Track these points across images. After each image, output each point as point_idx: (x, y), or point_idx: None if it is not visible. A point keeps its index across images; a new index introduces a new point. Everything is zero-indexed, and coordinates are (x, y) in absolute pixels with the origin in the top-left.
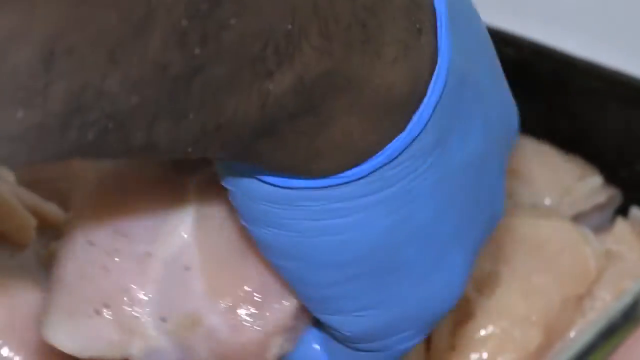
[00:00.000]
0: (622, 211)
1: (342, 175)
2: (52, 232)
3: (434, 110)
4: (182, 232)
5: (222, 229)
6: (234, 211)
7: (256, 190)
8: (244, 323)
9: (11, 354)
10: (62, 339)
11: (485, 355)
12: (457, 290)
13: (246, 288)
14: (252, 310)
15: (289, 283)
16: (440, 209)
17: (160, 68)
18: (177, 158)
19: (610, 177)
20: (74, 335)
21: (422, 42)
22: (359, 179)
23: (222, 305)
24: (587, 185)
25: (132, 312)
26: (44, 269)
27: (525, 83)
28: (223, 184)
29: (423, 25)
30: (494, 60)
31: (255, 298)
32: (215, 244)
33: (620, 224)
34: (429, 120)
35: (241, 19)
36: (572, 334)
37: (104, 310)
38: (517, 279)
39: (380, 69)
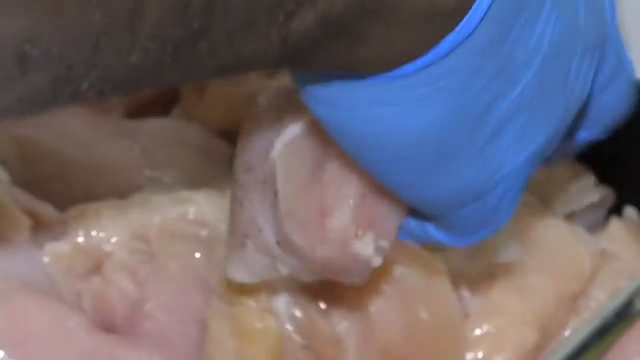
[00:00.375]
0: (615, 211)
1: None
2: (46, 232)
3: (487, 11)
4: (272, 158)
5: (300, 150)
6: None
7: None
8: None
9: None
10: (236, 273)
11: (480, 354)
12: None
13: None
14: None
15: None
16: (497, 96)
17: (157, 40)
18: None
19: (603, 177)
20: (240, 267)
21: None
22: (407, 75)
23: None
24: (581, 185)
25: (263, 238)
26: (39, 267)
27: None
28: (301, 95)
29: None
30: None
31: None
32: (293, 167)
33: (615, 224)
34: (480, 21)
35: None
36: (567, 333)
37: (247, 241)
38: (512, 279)
39: None
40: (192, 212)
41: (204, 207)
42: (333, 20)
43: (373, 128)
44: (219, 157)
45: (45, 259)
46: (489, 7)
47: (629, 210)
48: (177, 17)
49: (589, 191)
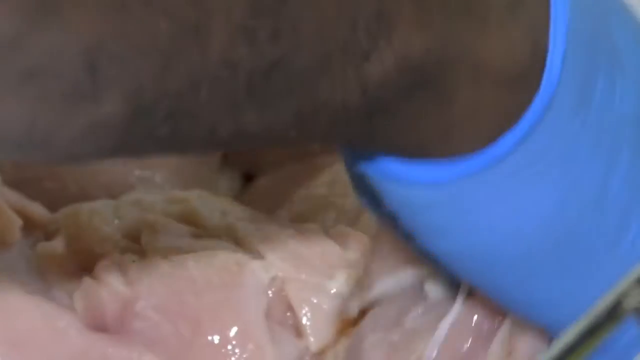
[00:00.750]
0: None
1: (479, 153)
2: (38, 232)
3: (563, 66)
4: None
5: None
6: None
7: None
8: None
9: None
10: None
11: None
12: None
13: None
14: None
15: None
16: (606, 170)
17: (229, 65)
18: (293, 145)
19: None
20: None
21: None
22: (506, 155)
23: None
24: None
25: None
26: (30, 268)
27: None
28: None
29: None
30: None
31: None
32: None
33: None
34: (559, 78)
35: (317, 7)
36: None
37: None
38: None
39: (491, 34)
40: (183, 211)
41: (195, 207)
42: (415, 66)
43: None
44: (210, 157)
45: (37, 259)
46: (563, 59)
47: None
48: (246, 38)
49: None
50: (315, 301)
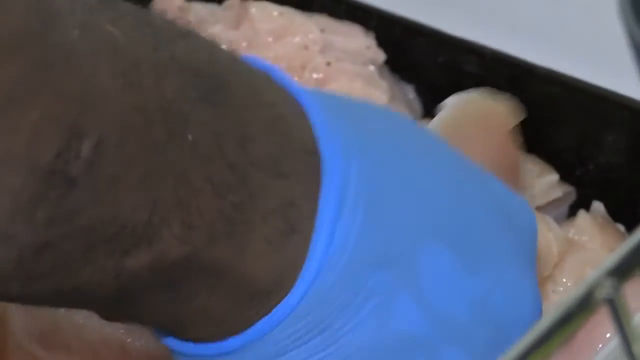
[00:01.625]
0: (580, 207)
1: (215, 344)
2: None
3: (302, 298)
4: None
5: None
6: None
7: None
8: None
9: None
10: None
11: None
12: None
13: None
14: None
15: None
16: None
17: (6, 237)
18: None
19: (566, 175)
20: None
21: (294, 240)
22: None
23: None
24: (545, 182)
25: None
26: None
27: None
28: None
29: (297, 224)
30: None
31: None
32: None
33: (582, 216)
34: (296, 306)
35: (95, 208)
36: None
37: None
38: None
39: (244, 261)
40: None
41: None
42: (165, 268)
43: None
44: None
45: None
46: (304, 294)
47: (596, 205)
48: (26, 217)
49: (553, 188)
50: None
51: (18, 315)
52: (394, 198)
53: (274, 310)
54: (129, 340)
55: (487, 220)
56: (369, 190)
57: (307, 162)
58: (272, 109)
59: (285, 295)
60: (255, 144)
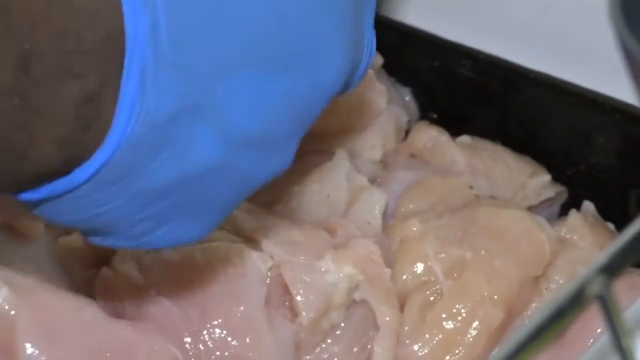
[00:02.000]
0: (571, 206)
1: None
2: (59, 227)
3: (100, 169)
4: None
5: None
6: None
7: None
8: None
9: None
10: None
11: (452, 332)
12: None
13: None
14: None
15: None
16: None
17: None
18: None
19: (558, 175)
20: None
21: (90, 133)
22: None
23: None
24: (538, 182)
25: None
26: (53, 260)
27: (481, 92)
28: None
29: (93, 119)
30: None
31: None
32: None
33: (574, 216)
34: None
35: None
36: (530, 313)
37: None
38: (480, 263)
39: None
40: None
41: None
42: None
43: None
44: None
45: (59, 252)
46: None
47: (587, 205)
48: None
49: (545, 188)
50: (307, 279)
51: (25, 312)
52: (202, 30)
53: (74, 173)
54: (134, 336)
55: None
56: (176, 33)
57: (106, 49)
58: (70, 6)
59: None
60: (40, 59)
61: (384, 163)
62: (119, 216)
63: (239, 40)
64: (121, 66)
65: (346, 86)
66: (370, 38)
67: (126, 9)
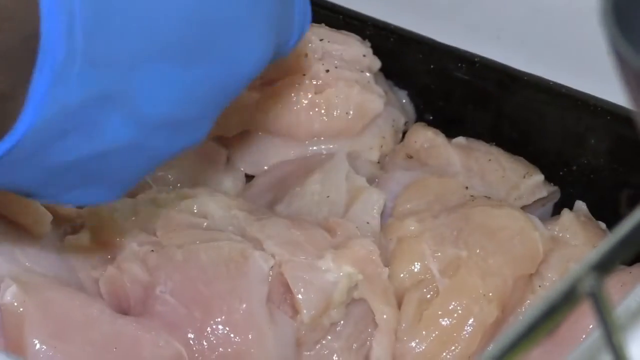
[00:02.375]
0: (564, 206)
1: None
2: (66, 226)
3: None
4: None
5: None
6: None
7: None
8: None
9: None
10: None
11: (448, 328)
12: None
13: None
14: None
15: None
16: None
17: None
18: None
19: (550, 175)
20: None
21: (5, 123)
22: None
23: None
24: (531, 182)
25: None
26: (60, 258)
27: (476, 94)
28: None
29: (7, 112)
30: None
31: None
32: None
33: (566, 215)
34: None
35: None
36: (524, 309)
37: None
38: (475, 262)
39: None
40: (195, 206)
41: (204, 201)
42: None
43: None
44: (215, 158)
45: (66, 251)
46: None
47: (579, 204)
48: None
49: (539, 188)
50: (307, 278)
51: (33, 309)
52: (115, 26)
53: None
54: (139, 332)
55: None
56: (92, 26)
57: (23, 51)
58: None
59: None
60: None
61: (382, 164)
62: (32, 184)
63: (151, 35)
64: (34, 63)
65: (275, 57)
66: (302, 11)
67: (43, 10)
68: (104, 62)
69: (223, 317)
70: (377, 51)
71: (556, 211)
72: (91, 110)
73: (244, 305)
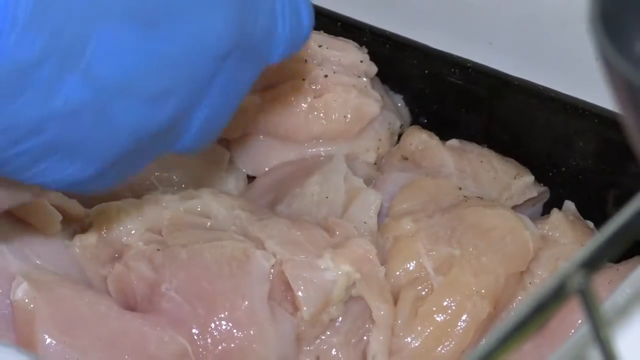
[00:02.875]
0: (553, 205)
1: None
2: (75, 225)
3: None
4: None
5: None
6: None
7: None
8: None
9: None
10: None
11: (442, 324)
12: None
13: None
14: None
15: None
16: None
17: None
18: None
19: (540, 176)
20: None
21: None
22: None
23: None
24: (522, 183)
25: None
26: (69, 256)
27: (469, 98)
28: None
29: None
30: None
31: None
32: None
33: (555, 214)
34: None
35: None
36: (515, 305)
37: None
38: (468, 260)
39: None
40: (198, 206)
41: (208, 202)
42: None
43: None
44: (218, 159)
45: (75, 249)
46: None
47: (568, 204)
48: None
49: (529, 188)
50: (307, 276)
51: (44, 305)
52: None
53: None
54: (145, 328)
55: None
56: None
57: None
58: None
59: None
60: None
61: (379, 165)
62: None
63: None
64: None
65: (268, 58)
66: (287, 8)
67: None
68: (57, 24)
69: (226, 314)
70: (373, 57)
71: (546, 211)
72: (44, 70)
73: (246, 303)
